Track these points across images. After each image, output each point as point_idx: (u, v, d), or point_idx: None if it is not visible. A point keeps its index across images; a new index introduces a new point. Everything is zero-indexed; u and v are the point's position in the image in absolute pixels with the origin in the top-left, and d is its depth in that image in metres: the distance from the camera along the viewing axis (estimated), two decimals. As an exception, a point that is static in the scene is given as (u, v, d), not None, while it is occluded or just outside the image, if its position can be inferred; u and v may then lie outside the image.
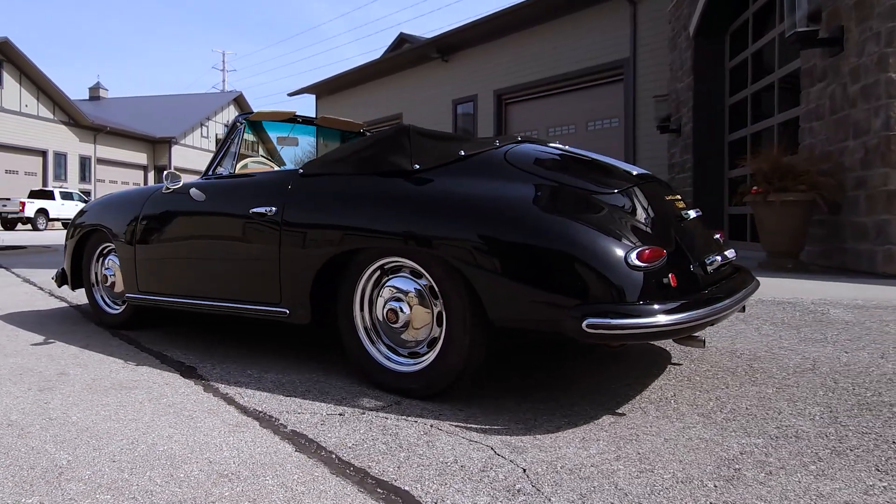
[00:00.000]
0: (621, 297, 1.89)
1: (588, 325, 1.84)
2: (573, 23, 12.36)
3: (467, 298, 2.11)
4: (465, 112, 15.37)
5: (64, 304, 4.59)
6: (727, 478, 1.60)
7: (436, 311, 2.24)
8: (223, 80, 55.11)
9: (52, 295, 5.03)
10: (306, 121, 3.74)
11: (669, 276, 1.96)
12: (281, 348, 3.10)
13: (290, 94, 23.55)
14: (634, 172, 2.44)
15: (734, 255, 2.51)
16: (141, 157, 33.29)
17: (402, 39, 19.63)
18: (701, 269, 2.20)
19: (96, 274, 3.77)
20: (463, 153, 2.38)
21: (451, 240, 2.11)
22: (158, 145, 34.52)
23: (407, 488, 1.56)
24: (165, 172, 3.20)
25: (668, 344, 3.02)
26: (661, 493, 1.53)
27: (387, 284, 2.37)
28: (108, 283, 3.64)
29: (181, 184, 3.17)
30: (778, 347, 2.94)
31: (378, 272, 2.39)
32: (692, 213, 2.48)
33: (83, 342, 3.23)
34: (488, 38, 14.00)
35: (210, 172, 3.23)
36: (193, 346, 3.13)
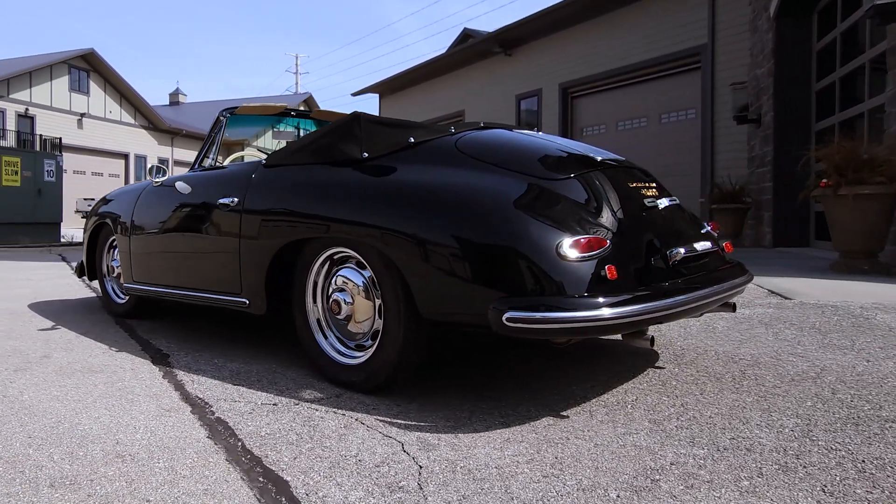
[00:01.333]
0: (551, 290, 1.81)
1: (508, 319, 1.78)
2: (644, 9, 11.90)
3: (400, 290, 2.10)
4: (528, 108, 15.22)
5: (92, 295, 4.99)
6: (637, 488, 1.48)
7: (377, 303, 2.24)
8: (296, 83, 57.38)
9: (89, 286, 5.47)
10: (300, 115, 3.84)
11: (608, 267, 1.85)
12: (265, 341, 3.19)
13: (354, 94, 24.36)
14: (599, 158, 2.35)
15: (709, 246, 2.33)
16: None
17: (466, 34, 19.73)
18: (662, 260, 2.07)
19: (107, 265, 4.08)
20: (412, 140, 2.38)
21: (384, 229, 2.12)
22: (235, 147, 36.72)
23: (288, 478, 1.57)
24: (150, 166, 3.40)
25: (664, 347, 2.83)
26: (553, 499, 1.44)
27: (337, 275, 2.39)
28: (115, 274, 3.93)
29: (166, 177, 3.36)
30: (788, 353, 2.68)
31: (328, 263, 2.43)
32: (664, 202, 2.34)
33: (84, 329, 3.50)
34: (552, 29, 13.76)
35: (196, 166, 3.40)
36: (182, 336, 3.31)
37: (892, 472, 1.52)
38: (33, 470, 1.62)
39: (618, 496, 1.45)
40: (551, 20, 13.38)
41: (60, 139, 18.55)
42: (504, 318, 1.77)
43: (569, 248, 1.83)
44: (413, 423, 1.96)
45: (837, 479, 1.50)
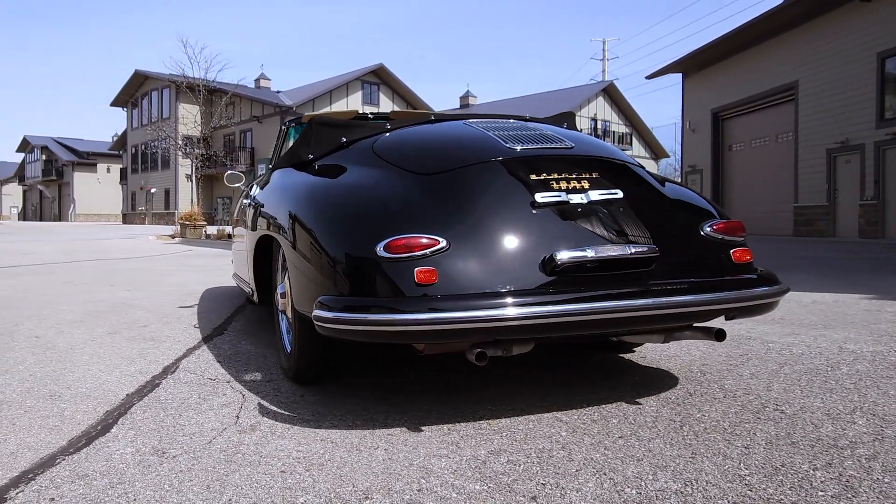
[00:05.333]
0: (366, 292, 1.91)
1: (315, 318, 1.94)
2: None
3: (289, 283, 2.39)
4: (896, 69, 12.61)
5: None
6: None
7: None
8: (603, 70, 57.25)
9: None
10: (378, 117, 4.17)
11: (430, 270, 1.84)
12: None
13: (649, 77, 23.61)
14: (518, 148, 2.30)
15: (645, 250, 2.01)
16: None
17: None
18: (539, 265, 1.94)
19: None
20: (344, 140, 2.66)
21: (280, 226, 2.49)
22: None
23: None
24: (228, 173, 4.22)
25: (679, 365, 2.38)
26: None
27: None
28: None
29: (240, 183, 4.15)
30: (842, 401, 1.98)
31: (281, 257, 2.78)
32: (595, 196, 2.12)
33: (216, 314, 4.52)
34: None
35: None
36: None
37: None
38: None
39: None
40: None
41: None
42: (314, 317, 1.94)
43: (383, 248, 1.88)
44: (293, 414, 2.18)
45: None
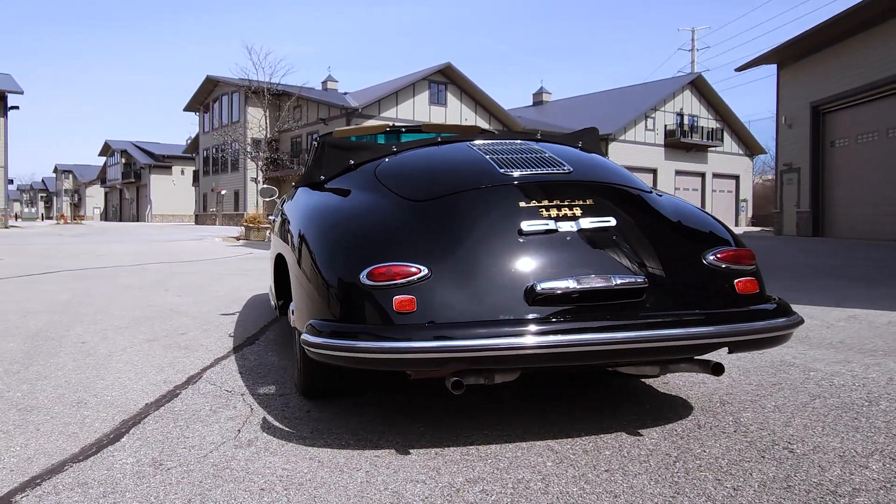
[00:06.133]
0: (348, 318, 2.03)
1: (302, 341, 2.08)
2: None
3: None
4: None
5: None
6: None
7: None
8: (692, 62, 55.21)
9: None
10: (410, 129, 4.21)
11: (409, 299, 1.93)
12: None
13: (739, 69, 22.75)
14: (513, 174, 2.35)
15: (632, 281, 2.02)
16: (573, 158, 37.94)
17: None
18: (519, 294, 1.98)
19: None
20: (352, 162, 2.80)
21: (288, 246, 2.67)
22: (595, 144, 38.44)
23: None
24: (262, 187, 4.41)
25: (701, 394, 2.34)
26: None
27: None
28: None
29: (274, 197, 4.35)
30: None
31: None
32: (586, 224, 2.15)
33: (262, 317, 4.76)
34: None
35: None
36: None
37: None
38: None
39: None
40: None
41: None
42: (300, 340, 2.05)
43: (366, 276, 1.98)
44: (291, 429, 2.31)
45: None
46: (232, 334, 4.11)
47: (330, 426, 2.31)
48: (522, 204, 2.17)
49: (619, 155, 38.25)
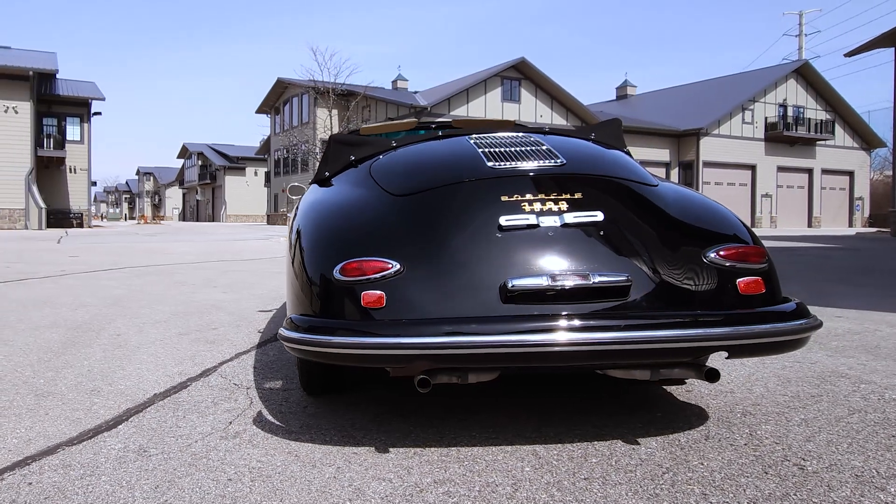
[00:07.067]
0: (324, 312, 2.09)
1: (279, 336, 2.16)
2: None
3: None
4: None
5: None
6: None
7: None
8: (799, 48, 52.17)
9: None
10: (440, 126, 4.21)
11: (378, 294, 1.96)
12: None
13: (848, 55, 21.64)
14: (498, 167, 2.36)
15: (613, 280, 1.96)
16: (662, 154, 36.85)
17: None
18: (497, 294, 1.97)
19: None
20: (353, 158, 2.86)
21: (286, 244, 2.68)
22: (684, 139, 37.15)
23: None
24: (291, 185, 4.51)
25: (725, 403, 2.24)
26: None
27: None
28: None
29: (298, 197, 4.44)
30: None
31: None
32: (570, 219, 2.11)
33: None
34: None
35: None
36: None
37: None
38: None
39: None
40: None
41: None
42: (279, 335, 2.13)
43: (339, 271, 2.03)
44: (281, 424, 2.39)
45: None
46: (261, 330, 4.26)
47: (320, 422, 2.36)
48: (504, 198, 2.16)
49: (712, 151, 36.76)
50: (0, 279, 7.40)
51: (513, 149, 2.48)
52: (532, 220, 2.08)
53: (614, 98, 48.70)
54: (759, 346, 1.93)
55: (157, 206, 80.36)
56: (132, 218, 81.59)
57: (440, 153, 2.69)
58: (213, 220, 57.95)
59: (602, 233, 2.07)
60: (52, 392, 2.78)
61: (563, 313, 1.90)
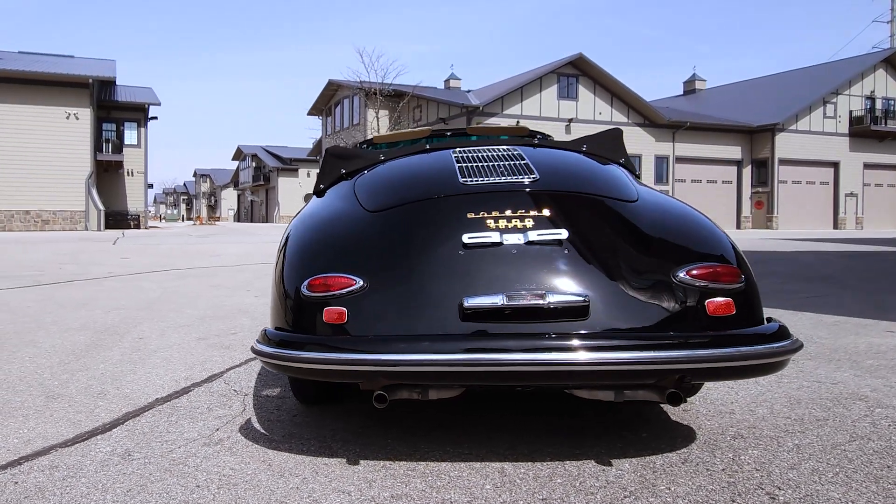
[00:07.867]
0: (292, 327, 2.23)
1: (251, 348, 2.29)
2: None
3: None
4: None
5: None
6: None
7: None
8: (891, 35, 49.20)
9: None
10: (455, 133, 4.26)
11: (339, 311, 2.06)
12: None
13: None
14: (469, 182, 2.43)
15: (565, 300, 1.99)
16: (733, 152, 35.81)
17: None
18: (456, 312, 2.03)
19: None
20: (343, 172, 2.95)
21: None
22: (758, 135, 35.99)
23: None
24: (306, 195, 4.64)
25: (719, 425, 2.23)
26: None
27: None
28: None
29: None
30: None
31: None
32: (533, 237, 2.16)
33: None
34: None
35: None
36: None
37: None
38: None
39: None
40: None
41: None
42: (251, 348, 2.26)
43: (306, 287, 2.15)
44: (264, 431, 2.52)
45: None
46: (278, 337, 4.43)
47: (304, 431, 2.47)
48: (470, 215, 2.22)
49: (789, 147, 35.45)
50: (50, 280, 7.90)
51: (490, 164, 2.54)
52: (496, 237, 2.13)
53: (681, 93, 47.61)
54: (725, 369, 1.92)
55: (213, 207, 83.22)
56: (189, 219, 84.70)
57: (419, 168, 2.76)
58: (267, 221, 59.58)
59: (566, 251, 2.10)
60: (63, 394, 2.99)
61: (518, 332, 1.95)
